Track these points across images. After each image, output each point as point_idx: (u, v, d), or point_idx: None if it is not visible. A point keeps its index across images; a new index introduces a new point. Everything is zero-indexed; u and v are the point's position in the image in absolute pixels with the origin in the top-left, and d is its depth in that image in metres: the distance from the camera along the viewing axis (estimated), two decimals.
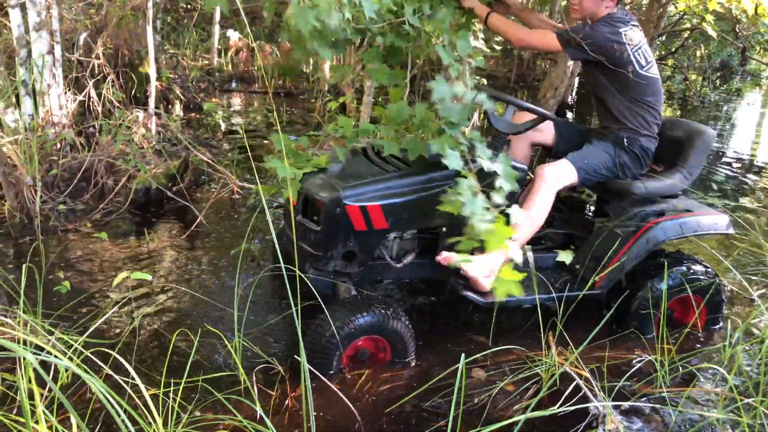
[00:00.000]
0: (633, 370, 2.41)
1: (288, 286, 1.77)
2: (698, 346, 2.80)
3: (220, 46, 8.12)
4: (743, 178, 5.94)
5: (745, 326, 2.49)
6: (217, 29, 7.89)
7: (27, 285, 2.34)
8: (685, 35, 9.23)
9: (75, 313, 2.71)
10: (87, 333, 1.85)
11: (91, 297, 2.88)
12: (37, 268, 2.64)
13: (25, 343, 1.62)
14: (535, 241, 2.77)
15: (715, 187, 5.28)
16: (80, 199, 3.87)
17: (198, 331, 2.49)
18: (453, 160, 2.07)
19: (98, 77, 4.90)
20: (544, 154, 3.15)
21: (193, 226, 3.65)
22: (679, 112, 9.38)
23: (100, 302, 2.84)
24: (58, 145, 4.10)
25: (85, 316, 2.63)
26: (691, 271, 2.75)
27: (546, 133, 3.01)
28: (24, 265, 2.18)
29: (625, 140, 2.79)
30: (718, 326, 2.91)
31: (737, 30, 7.35)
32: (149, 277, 2.88)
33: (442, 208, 2.12)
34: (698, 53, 11.55)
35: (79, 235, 3.54)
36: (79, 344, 1.71)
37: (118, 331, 2.61)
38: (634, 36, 2.69)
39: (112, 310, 2.10)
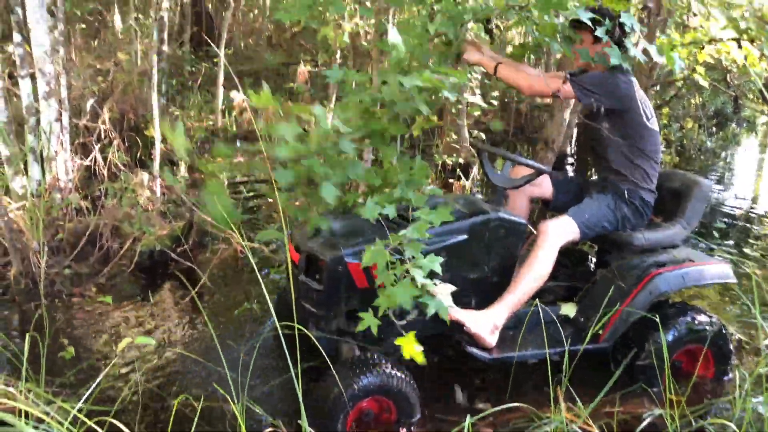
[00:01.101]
0: (643, 424, 2.36)
1: (286, 347, 1.77)
2: (709, 396, 2.75)
3: (224, 107, 8.30)
4: (744, 226, 5.95)
5: (754, 376, 2.46)
6: (221, 91, 8.10)
7: (32, 352, 2.33)
8: (679, 84, 9.42)
9: (78, 379, 2.69)
10: (83, 400, 1.84)
11: (95, 363, 2.86)
12: (40, 335, 2.64)
13: (27, 415, 1.61)
14: (537, 295, 2.76)
15: (716, 234, 5.29)
16: (85, 263, 3.89)
17: (201, 395, 2.47)
18: (370, 212, 2.24)
19: (104, 141, 5.01)
20: (544, 208, 3.18)
21: (197, 287, 3.66)
22: (678, 160, 9.47)
23: (104, 368, 2.82)
24: (64, 210, 4.16)
25: (88, 383, 2.61)
26: (696, 321, 2.73)
27: (544, 187, 3.05)
28: (27, 334, 2.19)
29: (626, 193, 2.81)
30: (727, 377, 2.87)
31: (728, 79, 7.51)
32: (152, 342, 2.88)
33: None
34: (693, 102, 11.75)
35: (84, 299, 3.55)
36: (80, 412, 1.70)
37: (120, 397, 2.59)
38: (638, 89, 2.75)
39: (102, 375, 2.09)
